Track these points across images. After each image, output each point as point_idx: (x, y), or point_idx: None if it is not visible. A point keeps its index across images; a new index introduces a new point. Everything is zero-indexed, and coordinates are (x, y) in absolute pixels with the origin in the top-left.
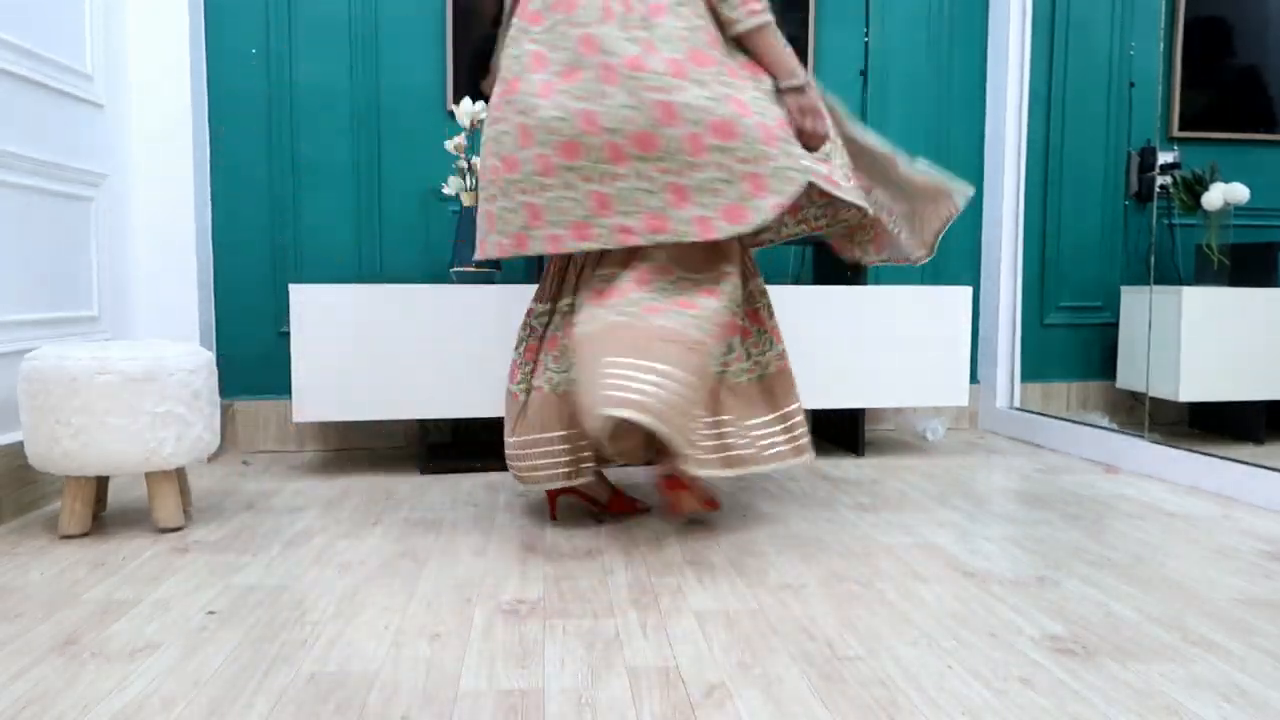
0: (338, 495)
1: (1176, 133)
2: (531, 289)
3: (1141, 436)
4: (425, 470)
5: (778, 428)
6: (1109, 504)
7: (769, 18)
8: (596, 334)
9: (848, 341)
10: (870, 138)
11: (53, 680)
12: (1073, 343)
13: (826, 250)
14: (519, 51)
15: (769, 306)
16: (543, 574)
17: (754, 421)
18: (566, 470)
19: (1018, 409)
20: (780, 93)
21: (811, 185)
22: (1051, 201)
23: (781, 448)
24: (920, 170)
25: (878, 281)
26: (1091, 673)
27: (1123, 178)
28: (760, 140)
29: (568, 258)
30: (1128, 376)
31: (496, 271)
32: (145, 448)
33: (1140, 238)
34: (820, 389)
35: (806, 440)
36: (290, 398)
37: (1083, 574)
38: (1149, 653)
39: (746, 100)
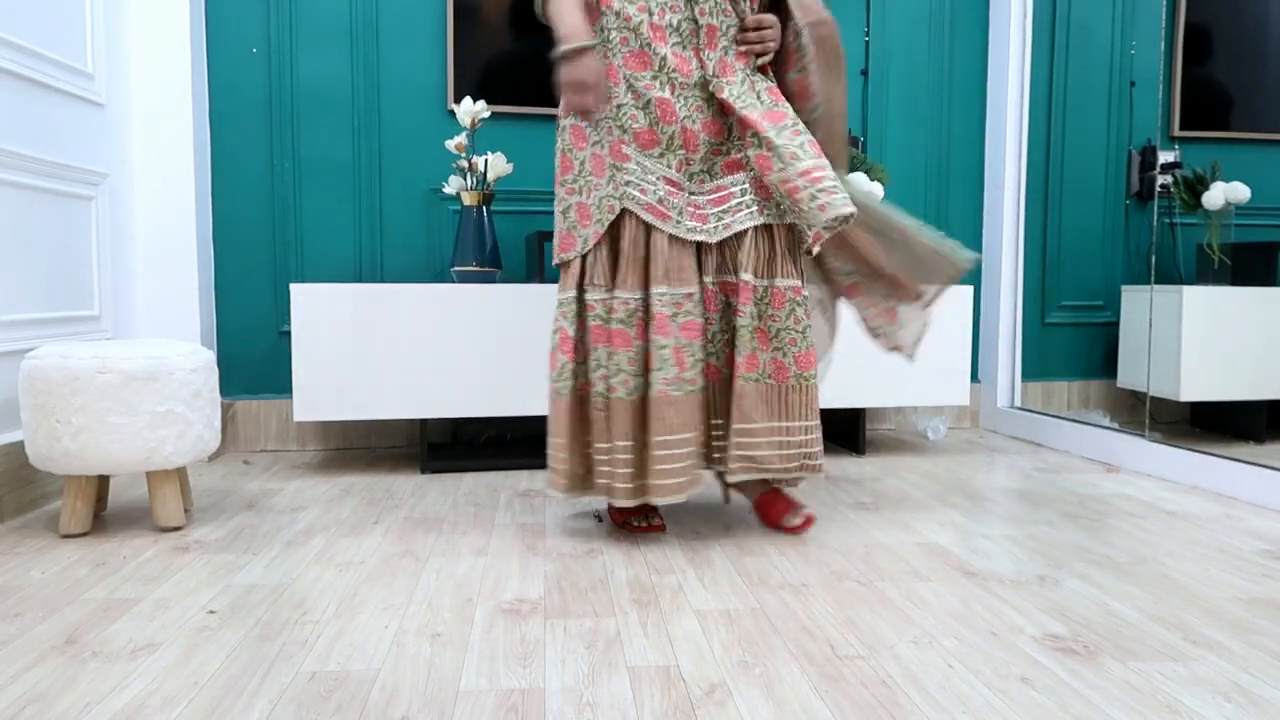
0: (338, 494)
1: (1177, 132)
2: (531, 288)
3: (1142, 436)
4: (426, 470)
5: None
6: (1110, 503)
7: None
8: None
9: (849, 340)
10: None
11: (53, 679)
12: (1074, 342)
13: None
14: None
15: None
16: (543, 573)
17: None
18: None
19: (1019, 408)
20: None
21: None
22: (1052, 201)
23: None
24: (926, 236)
25: None
26: (1093, 672)
27: (1124, 177)
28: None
29: None
30: (1128, 376)
31: (497, 271)
32: (146, 447)
33: (1141, 237)
34: (822, 388)
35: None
36: (291, 397)
37: (1084, 573)
38: (1150, 652)
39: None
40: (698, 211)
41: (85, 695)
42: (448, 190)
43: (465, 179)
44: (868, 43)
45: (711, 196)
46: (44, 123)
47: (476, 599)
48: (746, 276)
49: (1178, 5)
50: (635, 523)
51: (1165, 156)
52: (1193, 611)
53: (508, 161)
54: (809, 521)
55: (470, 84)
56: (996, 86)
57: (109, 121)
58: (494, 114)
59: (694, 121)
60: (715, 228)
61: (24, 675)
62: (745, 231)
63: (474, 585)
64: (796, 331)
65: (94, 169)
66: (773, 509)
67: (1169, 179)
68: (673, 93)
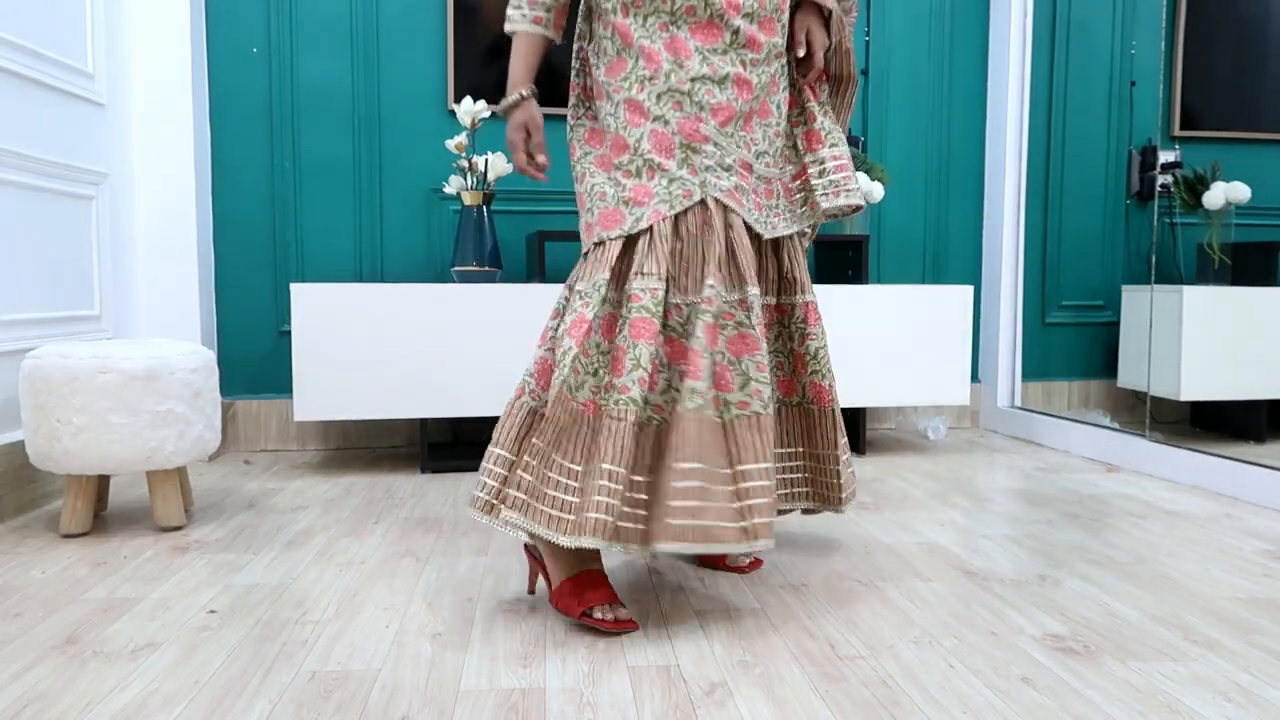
0: (338, 494)
1: (1178, 131)
2: (531, 288)
3: (1143, 435)
4: (426, 470)
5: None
6: (1110, 503)
7: (510, 26)
8: None
9: (849, 341)
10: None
11: (54, 679)
12: (1074, 342)
13: (827, 250)
14: None
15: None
16: None
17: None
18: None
19: (1019, 408)
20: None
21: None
22: (1053, 200)
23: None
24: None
25: (879, 281)
26: (1093, 671)
27: (1124, 177)
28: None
29: None
30: (1129, 375)
31: (498, 271)
32: (146, 447)
33: (1141, 237)
34: None
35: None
36: (291, 397)
37: (1084, 573)
38: (1150, 651)
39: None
40: (757, 200)
41: (86, 695)
42: (448, 190)
43: (465, 179)
44: (868, 43)
45: (763, 187)
46: (44, 122)
47: (477, 599)
48: (811, 297)
49: (1178, 5)
50: (601, 614)
51: (1165, 156)
52: (1193, 611)
53: (508, 161)
54: (757, 563)
55: (470, 84)
56: (996, 86)
57: (109, 121)
58: (494, 114)
59: (756, 101)
60: (765, 222)
61: (24, 675)
62: (789, 242)
63: (474, 585)
64: (827, 348)
65: (94, 169)
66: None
67: (1169, 179)
68: (744, 69)
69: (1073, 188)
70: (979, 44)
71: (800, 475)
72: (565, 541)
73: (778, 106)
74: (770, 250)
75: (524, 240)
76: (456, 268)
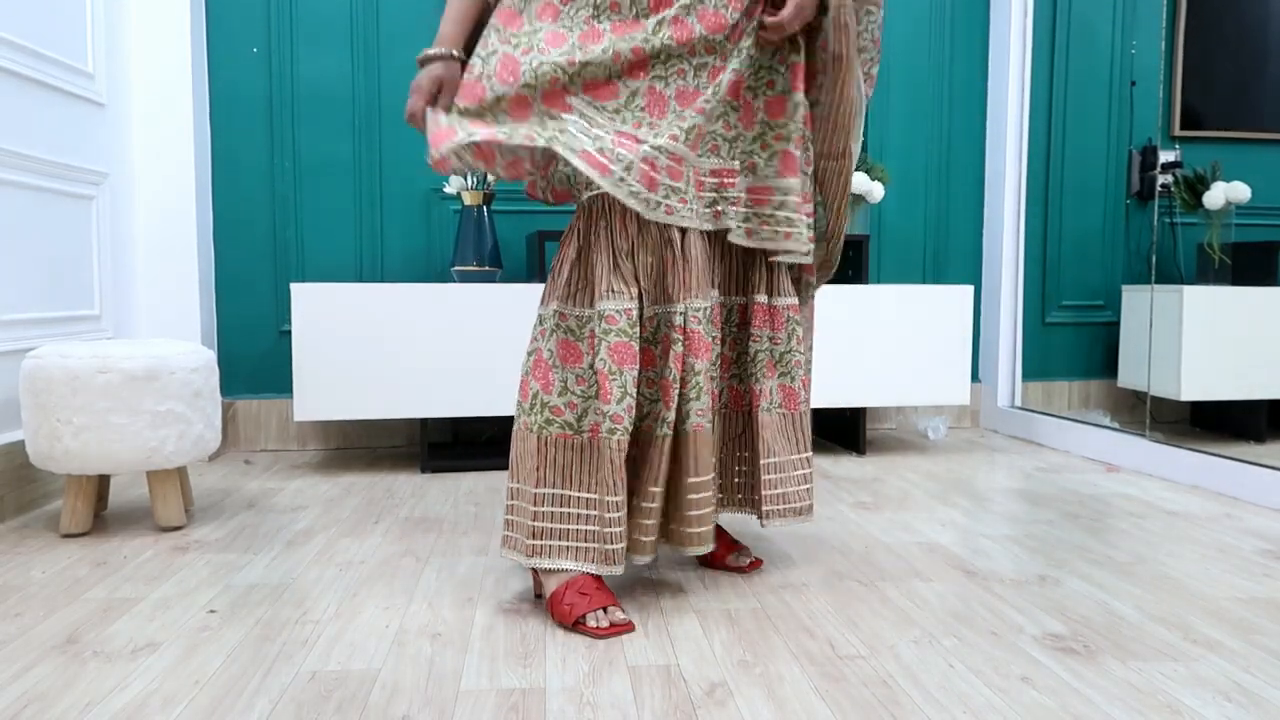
0: (339, 494)
1: (1178, 131)
2: (532, 288)
3: (1143, 435)
4: (426, 469)
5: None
6: (1110, 503)
7: None
8: None
9: (849, 340)
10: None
11: (54, 679)
12: (1074, 341)
13: None
14: None
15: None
16: None
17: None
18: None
19: (1019, 408)
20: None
21: None
22: (1053, 200)
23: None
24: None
25: (879, 281)
26: (1093, 671)
27: (1124, 176)
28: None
29: None
30: (1129, 375)
31: (498, 271)
32: (146, 446)
33: (1142, 236)
34: (822, 388)
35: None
36: (291, 397)
37: (1084, 573)
38: (1150, 651)
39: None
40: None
41: (85, 695)
42: (448, 190)
43: (466, 179)
44: None
45: (711, 180)
46: (44, 122)
47: (477, 598)
48: (760, 298)
49: (1178, 5)
50: (594, 621)
51: (1166, 156)
52: (1193, 611)
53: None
54: (757, 563)
55: None
56: (996, 86)
57: (109, 121)
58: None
59: (669, 86)
60: (704, 212)
61: (24, 675)
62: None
63: (474, 585)
64: (800, 353)
65: (94, 169)
66: (717, 546)
67: (1169, 178)
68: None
69: (1073, 188)
70: (979, 44)
71: (740, 480)
72: (601, 571)
73: (701, 86)
74: (719, 243)
75: (524, 240)
76: (456, 268)
